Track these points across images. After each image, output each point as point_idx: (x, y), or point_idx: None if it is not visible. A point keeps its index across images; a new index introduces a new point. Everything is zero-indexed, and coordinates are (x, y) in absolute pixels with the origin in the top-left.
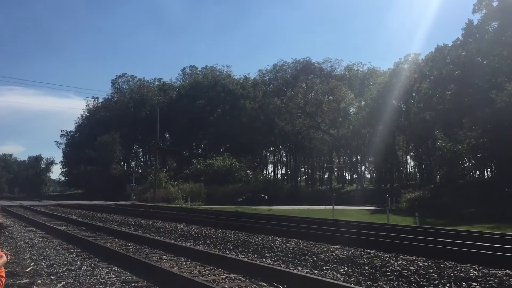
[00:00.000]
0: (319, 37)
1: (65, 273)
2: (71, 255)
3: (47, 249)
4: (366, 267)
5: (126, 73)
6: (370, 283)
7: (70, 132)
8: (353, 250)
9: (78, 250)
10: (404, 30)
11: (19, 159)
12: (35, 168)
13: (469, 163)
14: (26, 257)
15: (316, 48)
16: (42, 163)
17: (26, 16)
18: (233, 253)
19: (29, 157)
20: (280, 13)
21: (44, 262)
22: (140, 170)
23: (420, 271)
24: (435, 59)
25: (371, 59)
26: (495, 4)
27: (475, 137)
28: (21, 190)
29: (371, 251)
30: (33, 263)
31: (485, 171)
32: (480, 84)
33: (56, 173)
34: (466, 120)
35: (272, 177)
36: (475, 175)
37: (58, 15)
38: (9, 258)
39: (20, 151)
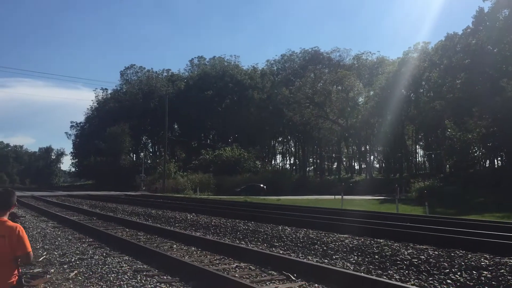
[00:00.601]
0: (327, 27)
1: (77, 262)
2: (83, 245)
3: (59, 238)
4: (376, 256)
5: (134, 64)
6: (380, 272)
7: (80, 123)
8: (362, 240)
9: (89, 240)
10: (411, 19)
11: (29, 151)
12: (46, 159)
13: (479, 152)
14: (38, 247)
15: (325, 38)
16: (53, 154)
17: (34, 7)
18: (243, 242)
19: (39, 149)
20: (288, 3)
21: (56, 252)
22: (149, 161)
23: (431, 260)
24: (445, 48)
25: (379, 48)
26: None
27: (485, 126)
28: (32, 181)
29: (381, 240)
30: (45, 253)
31: (495, 160)
32: (490, 72)
33: (66, 164)
34: (476, 109)
35: (280, 167)
36: (485, 164)
37: (66, 6)
38: None
39: (30, 143)
